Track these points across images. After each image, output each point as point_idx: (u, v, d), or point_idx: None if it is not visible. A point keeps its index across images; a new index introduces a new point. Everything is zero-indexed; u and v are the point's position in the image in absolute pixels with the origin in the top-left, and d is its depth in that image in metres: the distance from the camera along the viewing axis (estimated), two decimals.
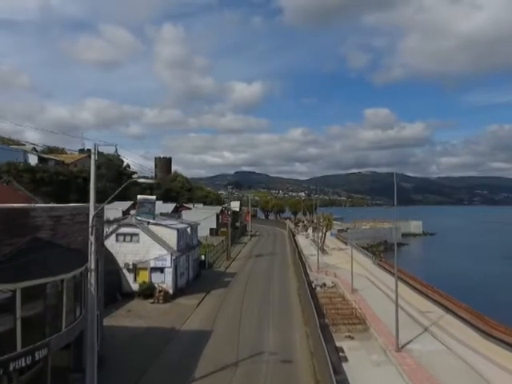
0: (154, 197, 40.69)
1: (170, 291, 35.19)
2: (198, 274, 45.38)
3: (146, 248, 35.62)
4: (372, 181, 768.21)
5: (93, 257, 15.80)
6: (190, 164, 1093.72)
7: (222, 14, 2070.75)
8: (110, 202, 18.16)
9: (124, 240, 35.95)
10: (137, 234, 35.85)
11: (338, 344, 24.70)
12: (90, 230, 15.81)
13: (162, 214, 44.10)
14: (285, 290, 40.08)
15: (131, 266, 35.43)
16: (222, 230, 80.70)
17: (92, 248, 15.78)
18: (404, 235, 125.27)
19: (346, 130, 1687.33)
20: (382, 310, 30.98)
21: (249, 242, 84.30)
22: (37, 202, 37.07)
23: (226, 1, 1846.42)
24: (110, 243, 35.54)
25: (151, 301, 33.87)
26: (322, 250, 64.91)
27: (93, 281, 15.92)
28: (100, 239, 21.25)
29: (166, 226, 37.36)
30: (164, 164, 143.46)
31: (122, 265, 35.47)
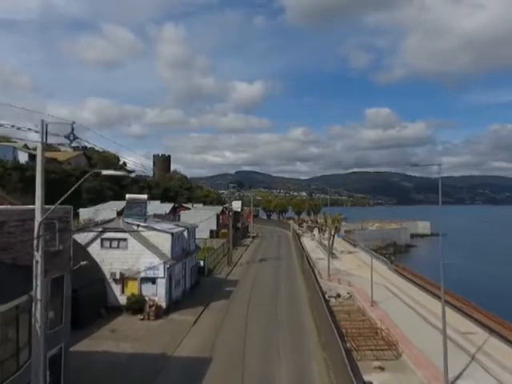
0: (145, 196, 35.91)
1: (163, 305, 30.42)
2: (197, 282, 40.63)
3: (135, 255, 30.87)
4: (373, 180, 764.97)
5: (39, 281, 11.07)
6: (191, 163, 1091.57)
7: (223, 13, 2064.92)
8: (64, 203, 13.51)
9: (110, 246, 31.21)
10: (125, 240, 31.08)
11: (365, 377, 20.00)
12: (35, 242, 11.07)
13: (155, 216, 39.37)
14: (295, 302, 35.30)
15: (118, 276, 30.68)
16: (222, 231, 76.01)
17: (38, 269, 11.06)
18: (412, 236, 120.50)
19: (347, 129, 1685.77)
20: (411, 330, 26.23)
21: (251, 245, 79.44)
22: (9, 203, 32.14)
23: (227, 0, 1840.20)
24: (95, 250, 30.92)
25: (141, 317, 29.10)
26: (331, 253, 60.05)
27: (39, 315, 11.17)
28: (65, 251, 16.52)
29: (158, 229, 32.58)
30: (163, 162, 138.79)
31: (107, 275, 30.74)
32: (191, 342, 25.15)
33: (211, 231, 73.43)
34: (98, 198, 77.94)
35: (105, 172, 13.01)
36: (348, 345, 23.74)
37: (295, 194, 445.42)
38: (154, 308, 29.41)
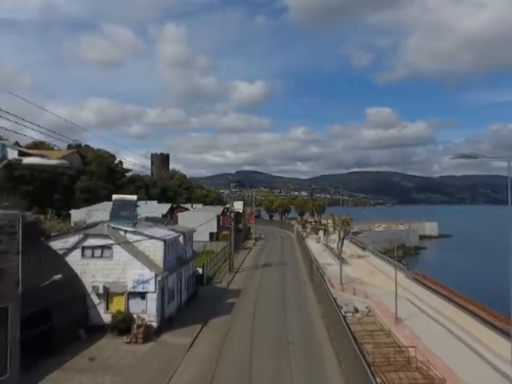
0: (134, 197, 31.44)
1: (154, 324, 25.97)
2: (194, 293, 36.20)
3: (121, 266, 26.41)
4: (374, 180, 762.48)
5: None
6: (192, 163, 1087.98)
7: (224, 12, 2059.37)
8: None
9: (92, 255, 26.73)
10: (110, 248, 26.59)
11: None
12: None
13: (147, 219, 34.84)
14: (306, 318, 30.86)
15: (102, 291, 26.22)
16: (223, 233, 71.53)
17: None
18: (420, 237, 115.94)
19: (348, 129, 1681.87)
20: (452, 358, 21.75)
21: (253, 248, 75.06)
22: None
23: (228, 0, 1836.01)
24: (74, 259, 26.51)
25: (127, 340, 24.65)
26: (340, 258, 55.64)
27: None
28: (11, 274, 12.12)
29: (149, 235, 28.08)
30: (161, 161, 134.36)
31: (89, 289, 26.30)
32: (186, 374, 20.73)
33: (211, 234, 69.04)
34: (92, 198, 73.50)
35: (27, 160, 8.66)
36: (379, 380, 19.26)
37: (296, 193, 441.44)
38: (142, 329, 24.96)
